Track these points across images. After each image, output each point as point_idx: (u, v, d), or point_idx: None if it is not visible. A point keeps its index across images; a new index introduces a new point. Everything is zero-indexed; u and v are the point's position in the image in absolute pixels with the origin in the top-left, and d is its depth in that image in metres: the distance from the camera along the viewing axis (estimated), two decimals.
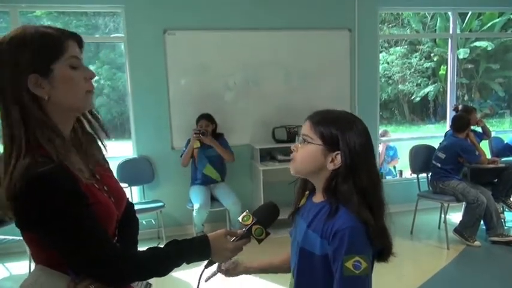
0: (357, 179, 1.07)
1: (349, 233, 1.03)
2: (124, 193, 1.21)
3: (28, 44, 0.97)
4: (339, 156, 1.09)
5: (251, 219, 1.19)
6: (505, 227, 4.31)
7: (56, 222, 0.94)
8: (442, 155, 4.08)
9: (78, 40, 1.06)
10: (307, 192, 1.26)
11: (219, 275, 1.36)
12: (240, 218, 1.21)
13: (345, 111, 1.19)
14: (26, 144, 0.96)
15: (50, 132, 0.99)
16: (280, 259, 1.42)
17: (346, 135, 1.09)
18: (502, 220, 4.29)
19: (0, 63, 0.97)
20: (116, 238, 1.16)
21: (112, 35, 6.58)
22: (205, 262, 1.19)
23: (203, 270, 1.19)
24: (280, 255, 1.42)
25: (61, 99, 1.01)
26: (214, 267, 1.29)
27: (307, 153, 1.13)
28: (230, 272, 1.36)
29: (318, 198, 1.18)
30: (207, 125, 4.04)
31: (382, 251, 1.11)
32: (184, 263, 1.11)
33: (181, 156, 4.12)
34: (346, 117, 1.16)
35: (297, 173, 1.19)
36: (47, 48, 0.99)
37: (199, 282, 1.20)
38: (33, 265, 1.07)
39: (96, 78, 1.10)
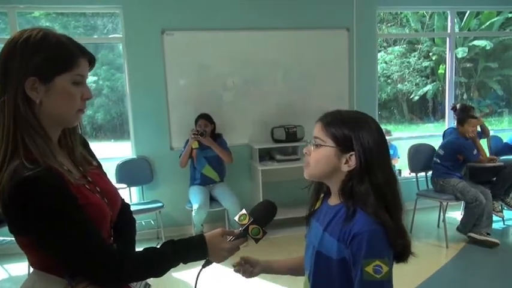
0: (373, 178, 1.05)
1: (368, 237, 1.01)
2: (118, 194, 1.21)
3: (42, 50, 0.98)
4: (353, 157, 1.07)
5: (248, 218, 1.19)
6: (504, 226, 4.33)
7: (47, 224, 0.94)
8: (441, 152, 4.11)
9: (90, 59, 1.07)
10: (322, 195, 1.24)
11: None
12: (236, 218, 1.20)
13: (356, 111, 1.18)
14: (13, 145, 0.96)
15: (37, 134, 0.99)
16: (294, 262, 1.40)
17: (359, 134, 1.07)
18: (502, 218, 4.30)
19: (10, 59, 0.98)
20: (112, 239, 1.16)
21: (110, 36, 6.57)
22: (203, 262, 1.18)
23: (200, 271, 1.19)
24: (295, 258, 1.40)
25: (52, 109, 1.01)
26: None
27: (320, 156, 1.11)
28: (248, 273, 1.33)
29: (334, 201, 1.15)
30: (206, 125, 4.04)
31: (402, 252, 1.09)
32: (181, 263, 1.11)
33: (180, 157, 4.12)
34: (358, 116, 1.13)
35: (311, 177, 1.17)
36: (58, 61, 1.00)
37: (196, 283, 1.20)
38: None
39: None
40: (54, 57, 1.00)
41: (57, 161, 1.00)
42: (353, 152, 1.07)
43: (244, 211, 1.22)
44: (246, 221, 1.19)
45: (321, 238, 1.13)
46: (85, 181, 1.07)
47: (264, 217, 1.21)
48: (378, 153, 1.07)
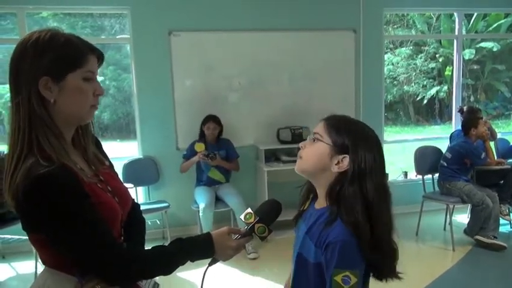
0: (363, 189, 1.06)
1: (340, 247, 1.02)
2: (129, 193, 1.23)
3: (51, 49, 1.00)
4: (345, 160, 1.08)
5: (253, 217, 1.20)
6: (511, 229, 4.29)
7: (60, 221, 0.95)
8: (448, 155, 4.10)
9: (99, 56, 1.09)
10: (311, 196, 1.25)
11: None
12: (242, 216, 1.22)
13: (361, 121, 1.18)
14: (28, 144, 0.98)
15: (52, 133, 1.01)
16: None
17: (357, 141, 1.08)
18: (509, 222, 4.27)
19: (21, 61, 1.00)
20: (122, 238, 1.17)
21: (118, 36, 6.62)
22: (209, 260, 1.19)
23: (206, 269, 1.20)
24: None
25: (66, 106, 1.03)
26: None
27: (314, 150, 1.13)
28: None
29: (320, 204, 1.17)
30: (215, 127, 4.05)
31: (383, 270, 1.10)
32: (188, 261, 1.12)
33: (183, 157, 4.12)
34: (360, 125, 1.14)
35: (301, 171, 1.17)
36: (68, 59, 1.02)
37: (203, 281, 1.21)
38: (39, 265, 1.08)
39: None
40: (64, 55, 1.02)
41: (71, 159, 1.02)
42: (346, 155, 1.08)
43: (250, 210, 1.23)
44: (252, 220, 1.20)
45: (302, 240, 1.15)
46: (97, 180, 1.09)
47: (269, 215, 1.22)
48: (372, 164, 1.07)
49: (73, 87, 1.03)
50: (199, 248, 1.14)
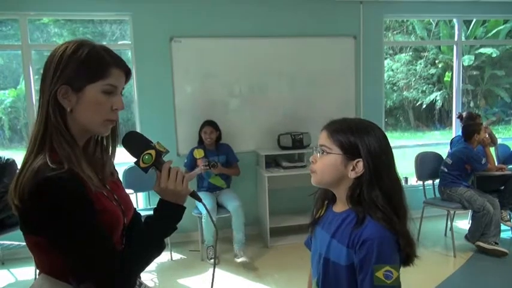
0: (381, 184, 1.07)
1: (378, 243, 1.03)
2: (131, 203, 1.25)
3: (74, 60, 1.02)
4: (360, 164, 1.09)
5: (141, 157, 1.13)
6: None
7: (61, 225, 0.96)
8: (449, 161, 4.10)
9: (126, 72, 1.09)
10: (326, 202, 1.25)
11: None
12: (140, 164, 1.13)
13: (360, 118, 1.20)
14: (40, 146, 1.01)
15: (64, 140, 1.02)
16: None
17: (365, 141, 1.09)
18: (510, 228, 4.26)
19: (47, 69, 1.03)
20: (123, 247, 1.17)
21: (119, 42, 6.63)
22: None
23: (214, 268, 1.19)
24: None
25: (80, 116, 1.05)
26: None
27: (327, 163, 1.13)
28: None
29: (340, 207, 1.17)
30: (212, 132, 4.05)
31: (408, 255, 1.11)
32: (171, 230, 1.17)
33: (184, 166, 4.10)
34: (363, 124, 1.16)
35: (318, 184, 1.18)
36: (88, 70, 1.03)
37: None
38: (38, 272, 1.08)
39: None
40: (85, 66, 1.03)
41: (81, 166, 1.02)
42: (359, 159, 1.09)
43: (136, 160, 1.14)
44: (143, 164, 1.13)
45: (328, 245, 1.15)
46: (104, 189, 1.09)
47: (139, 145, 1.16)
48: (384, 160, 1.09)
49: (90, 99, 1.04)
50: (167, 218, 1.15)
